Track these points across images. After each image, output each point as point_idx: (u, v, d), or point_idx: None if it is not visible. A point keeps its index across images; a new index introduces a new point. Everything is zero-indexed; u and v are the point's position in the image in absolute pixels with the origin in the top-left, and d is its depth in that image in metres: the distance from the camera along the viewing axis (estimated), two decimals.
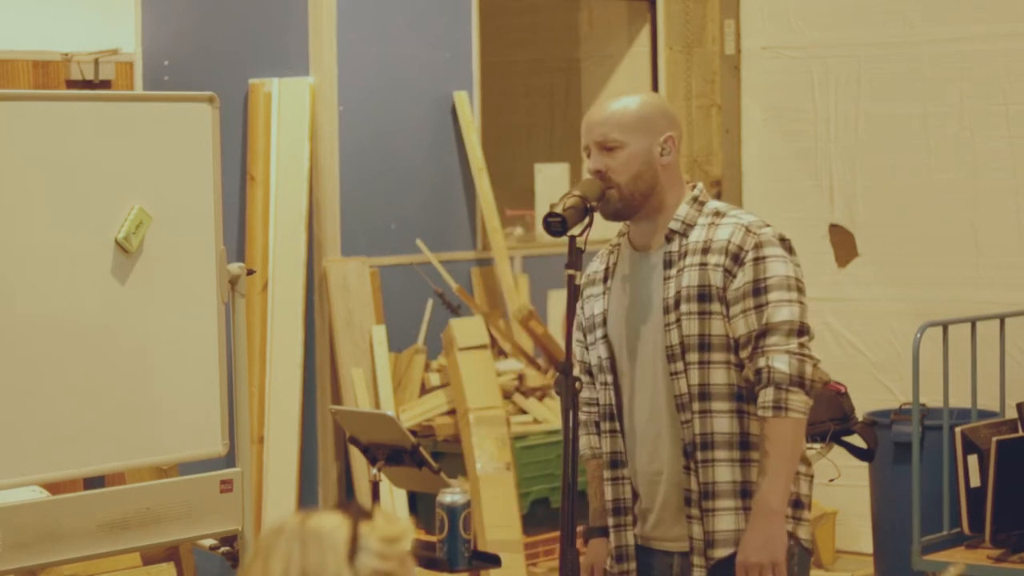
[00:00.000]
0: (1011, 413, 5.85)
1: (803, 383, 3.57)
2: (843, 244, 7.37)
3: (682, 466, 3.66)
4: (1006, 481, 5.42)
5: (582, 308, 3.82)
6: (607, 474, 3.79)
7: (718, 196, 7.69)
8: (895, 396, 6.91)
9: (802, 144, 7.46)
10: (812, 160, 7.43)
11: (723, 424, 3.63)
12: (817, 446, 5.24)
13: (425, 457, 4.54)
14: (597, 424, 3.85)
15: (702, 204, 3.73)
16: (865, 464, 5.84)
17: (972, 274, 6.99)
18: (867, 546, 6.65)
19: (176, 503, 4.15)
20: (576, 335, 3.84)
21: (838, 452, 5.33)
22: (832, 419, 5.29)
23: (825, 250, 7.39)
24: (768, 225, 3.67)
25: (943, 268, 7.06)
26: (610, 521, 3.79)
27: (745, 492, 3.63)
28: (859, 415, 5.58)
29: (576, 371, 3.67)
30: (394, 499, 6.46)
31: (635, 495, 3.76)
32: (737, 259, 3.62)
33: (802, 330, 3.61)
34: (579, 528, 3.83)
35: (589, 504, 3.88)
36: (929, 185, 7.12)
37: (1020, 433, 5.60)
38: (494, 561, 4.22)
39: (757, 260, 3.61)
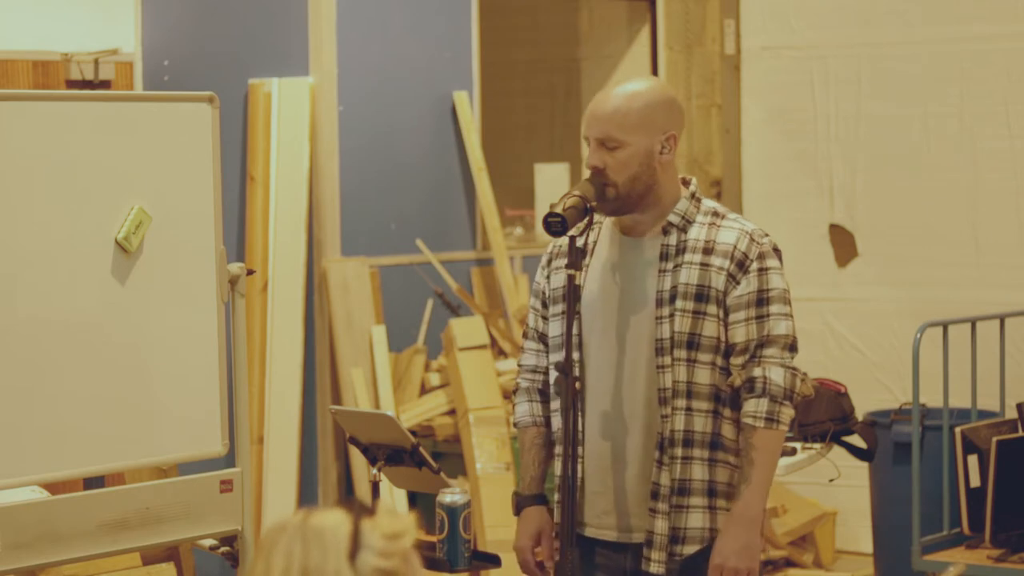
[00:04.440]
0: (1011, 413, 5.85)
1: (792, 397, 3.68)
2: (843, 244, 7.36)
3: (655, 459, 3.67)
4: (1006, 481, 5.41)
5: (547, 278, 3.84)
6: (558, 449, 3.75)
7: (718, 196, 7.68)
8: (895, 396, 6.91)
9: (802, 144, 7.46)
10: (812, 160, 7.43)
11: (701, 423, 3.66)
12: (817, 446, 5.24)
13: (425, 457, 4.53)
14: (540, 392, 3.87)
15: (699, 201, 3.75)
16: (865, 464, 5.85)
17: (972, 274, 6.98)
18: (867, 546, 6.65)
19: (176, 503, 4.15)
20: (533, 302, 3.90)
21: (838, 452, 5.33)
22: (832, 419, 5.29)
23: (825, 250, 7.39)
24: (767, 235, 3.74)
25: (943, 268, 7.06)
26: (556, 497, 3.73)
27: (712, 491, 3.68)
28: (859, 415, 5.59)
29: (530, 341, 3.86)
30: (394, 499, 6.46)
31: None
32: (742, 266, 3.67)
33: (794, 345, 3.71)
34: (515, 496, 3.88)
35: (522, 472, 3.88)
36: (929, 185, 7.12)
37: (1020, 433, 5.60)
38: (494, 561, 4.22)
39: (761, 271, 3.68)
